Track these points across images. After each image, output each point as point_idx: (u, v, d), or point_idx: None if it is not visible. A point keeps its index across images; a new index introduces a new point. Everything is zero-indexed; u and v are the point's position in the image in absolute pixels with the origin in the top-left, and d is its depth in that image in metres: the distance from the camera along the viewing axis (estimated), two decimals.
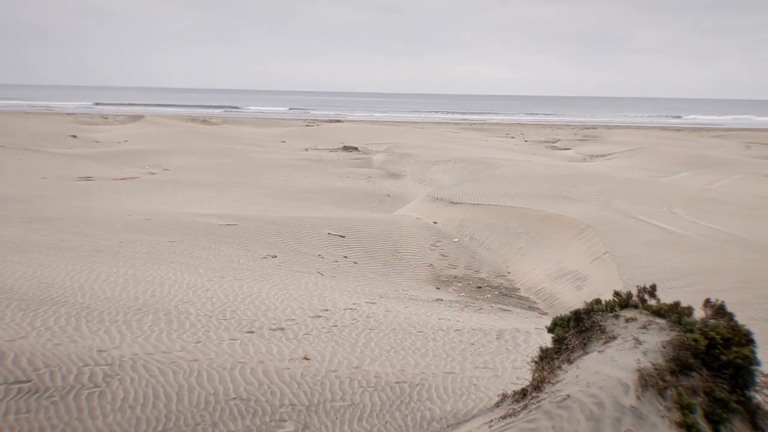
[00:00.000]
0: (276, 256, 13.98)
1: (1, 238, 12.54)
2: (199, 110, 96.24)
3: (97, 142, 39.10)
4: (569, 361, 4.59)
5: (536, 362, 4.98)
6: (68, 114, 69.53)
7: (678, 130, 70.82)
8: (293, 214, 18.65)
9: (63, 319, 7.96)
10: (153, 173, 26.90)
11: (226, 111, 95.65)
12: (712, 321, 4.49)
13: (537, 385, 4.54)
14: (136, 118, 60.21)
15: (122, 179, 24.73)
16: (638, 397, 4.05)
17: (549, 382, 4.47)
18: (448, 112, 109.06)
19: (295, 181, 25.76)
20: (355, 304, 10.24)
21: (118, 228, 14.53)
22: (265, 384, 6.84)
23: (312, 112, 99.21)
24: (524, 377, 5.83)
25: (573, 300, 12.65)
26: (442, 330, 9.20)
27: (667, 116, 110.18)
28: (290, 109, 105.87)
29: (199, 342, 7.71)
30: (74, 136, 40.37)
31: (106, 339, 7.48)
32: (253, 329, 8.39)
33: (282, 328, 8.53)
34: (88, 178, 24.61)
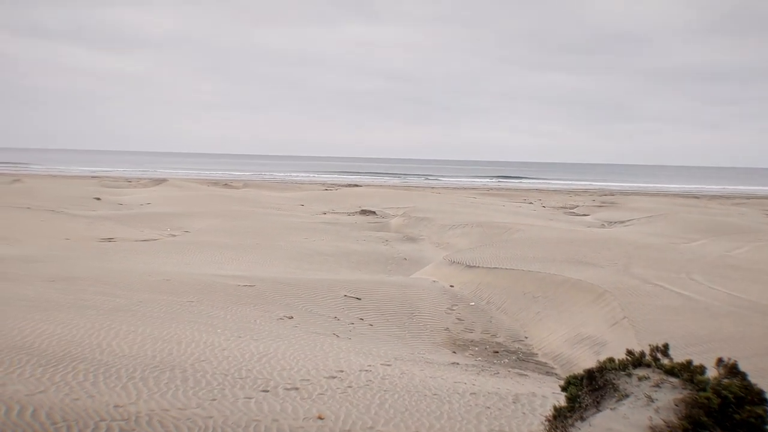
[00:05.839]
0: (292, 317, 14.04)
1: (24, 296, 12.74)
2: (221, 174, 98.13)
3: (121, 204, 39.82)
4: (582, 419, 4.60)
5: (550, 421, 4.98)
6: (92, 177, 70.95)
7: (696, 197, 70.76)
8: (310, 276, 18.76)
9: (81, 375, 8.04)
10: (174, 235, 27.26)
11: (247, 175, 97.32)
12: (725, 380, 4.50)
13: None
14: (160, 181, 61.41)
15: (143, 241, 25.08)
16: None
17: None
18: (464, 177, 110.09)
19: (312, 243, 25.96)
20: (370, 365, 10.23)
21: (137, 288, 14.70)
22: None
23: (328, 176, 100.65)
24: None
25: (591, 365, 12.51)
26: (458, 393, 9.14)
27: (682, 184, 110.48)
28: (323, 173, 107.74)
29: (214, 399, 7.75)
30: (98, 199, 41.15)
31: (123, 395, 7.55)
32: (268, 388, 8.42)
33: (297, 388, 8.54)
34: (110, 239, 24.99)
